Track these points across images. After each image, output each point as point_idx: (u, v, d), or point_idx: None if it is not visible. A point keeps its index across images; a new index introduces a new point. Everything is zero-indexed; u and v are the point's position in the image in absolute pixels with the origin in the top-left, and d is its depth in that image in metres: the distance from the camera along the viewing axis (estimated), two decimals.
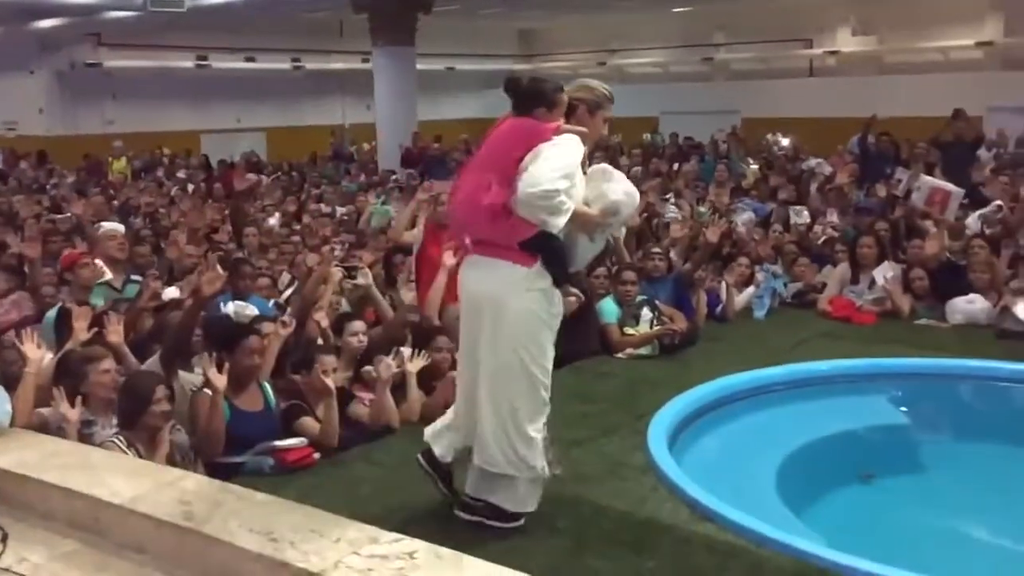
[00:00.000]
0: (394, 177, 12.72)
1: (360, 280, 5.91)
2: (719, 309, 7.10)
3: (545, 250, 3.63)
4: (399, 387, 4.95)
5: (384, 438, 4.68)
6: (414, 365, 4.99)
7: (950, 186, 8.22)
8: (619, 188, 3.78)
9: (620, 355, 6.24)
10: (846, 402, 5.51)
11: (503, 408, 3.66)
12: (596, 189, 3.76)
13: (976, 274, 6.93)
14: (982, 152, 11.65)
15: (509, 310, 3.61)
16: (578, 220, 3.65)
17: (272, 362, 4.88)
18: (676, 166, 12.59)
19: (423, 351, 5.10)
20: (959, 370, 5.78)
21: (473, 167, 3.86)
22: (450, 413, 3.97)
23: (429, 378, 5.13)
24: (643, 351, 6.25)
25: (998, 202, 7.88)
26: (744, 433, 5.09)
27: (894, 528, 4.42)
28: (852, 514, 4.59)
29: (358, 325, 5.40)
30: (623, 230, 7.28)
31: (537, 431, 3.70)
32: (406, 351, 5.08)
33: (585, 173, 3.79)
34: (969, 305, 6.73)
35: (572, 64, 23.64)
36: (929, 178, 8.31)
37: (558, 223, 3.58)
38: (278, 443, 4.29)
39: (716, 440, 5.12)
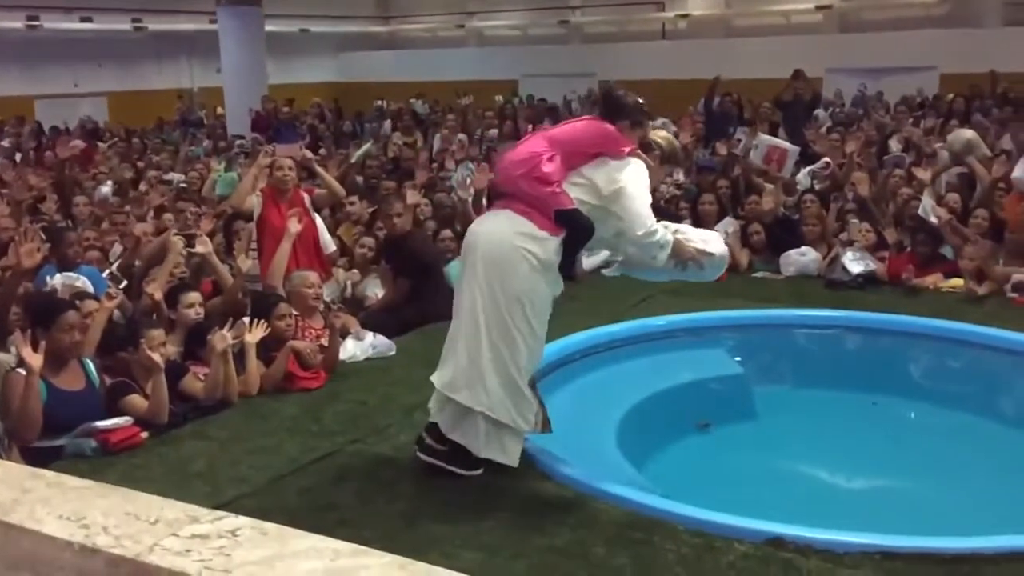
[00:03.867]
0: (239, 142, 12.26)
1: (199, 248, 5.67)
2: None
3: (574, 226, 3.76)
4: (238, 358, 4.79)
5: (220, 413, 4.52)
6: (253, 336, 4.82)
7: (786, 144, 8.54)
8: (722, 245, 4.13)
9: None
10: (685, 356, 5.66)
11: (504, 357, 3.73)
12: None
13: (808, 227, 7.24)
14: (819, 112, 12.16)
15: (521, 264, 3.70)
16: (675, 248, 3.88)
17: (96, 338, 4.62)
18: (531, 128, 12.60)
19: (264, 321, 4.94)
20: (790, 319, 6.03)
21: (542, 136, 3.98)
22: (448, 373, 3.89)
23: (270, 348, 4.99)
24: None
25: (826, 159, 8.24)
26: (587, 390, 5.16)
27: (727, 474, 4.59)
28: (689, 463, 4.74)
29: (193, 296, 5.18)
30: (471, 193, 7.27)
31: (526, 386, 3.79)
32: (245, 322, 4.92)
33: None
34: (801, 257, 7.03)
35: (430, 27, 23.42)
36: (767, 137, 8.61)
37: (663, 257, 3.85)
38: (100, 424, 4.06)
39: (560, 397, 5.14)
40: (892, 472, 4.67)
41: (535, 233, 3.73)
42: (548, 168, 3.74)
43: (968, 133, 8.31)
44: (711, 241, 4.10)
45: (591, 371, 5.31)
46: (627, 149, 3.82)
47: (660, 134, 4.16)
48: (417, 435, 4.01)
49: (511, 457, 3.81)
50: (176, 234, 5.93)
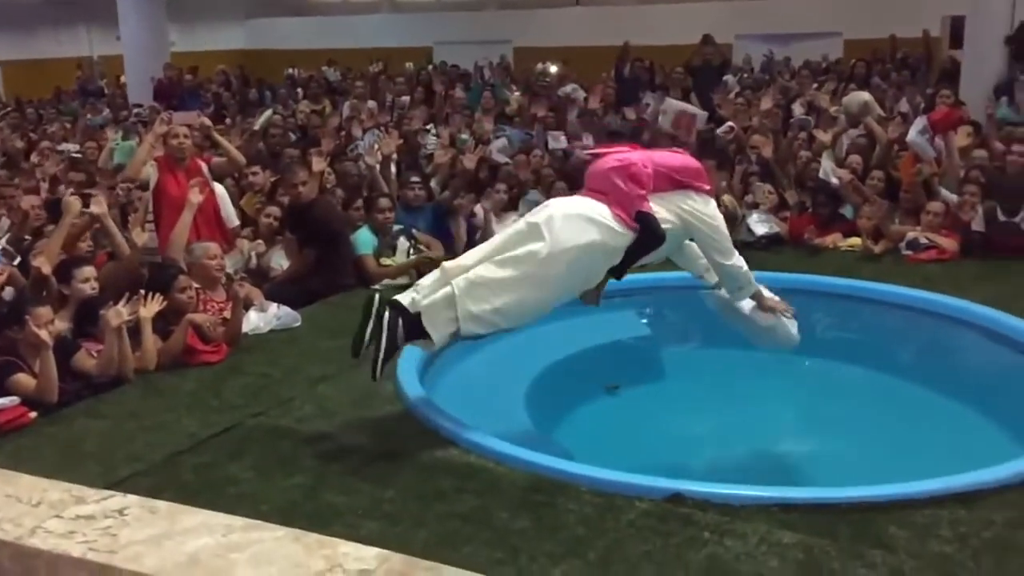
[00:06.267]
0: (136, 110, 11.84)
1: (93, 208, 5.44)
2: (479, 235, 7.13)
3: (649, 231, 3.98)
4: (134, 334, 4.64)
5: (114, 390, 4.37)
6: (148, 310, 4.67)
7: (694, 109, 8.62)
8: (795, 330, 4.39)
9: (377, 287, 6.13)
10: (594, 319, 5.67)
11: (503, 281, 3.83)
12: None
13: None
14: (729, 77, 12.30)
15: (593, 231, 3.89)
16: (759, 296, 4.30)
17: None
18: (445, 92, 12.47)
19: (159, 294, 4.78)
20: (697, 281, 6.09)
21: (639, 152, 4.20)
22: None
23: (170, 322, 4.84)
24: (401, 281, 6.17)
25: (730, 123, 8.35)
26: (497, 356, 5.14)
27: (635, 435, 4.65)
28: (597, 425, 4.78)
29: (88, 271, 4.98)
30: (378, 159, 7.15)
31: (491, 312, 3.86)
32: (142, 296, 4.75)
33: None
34: None
35: None
36: (675, 102, 8.67)
37: (744, 295, 4.27)
38: None
39: (470, 365, 5.16)
40: (793, 427, 4.79)
41: (613, 223, 3.93)
42: (642, 175, 3.99)
43: (864, 95, 8.50)
44: (790, 328, 4.40)
45: (502, 336, 5.28)
46: (709, 188, 4.15)
47: (726, 197, 4.52)
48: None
49: (434, 337, 3.87)
50: (72, 194, 5.69)
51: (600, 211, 3.95)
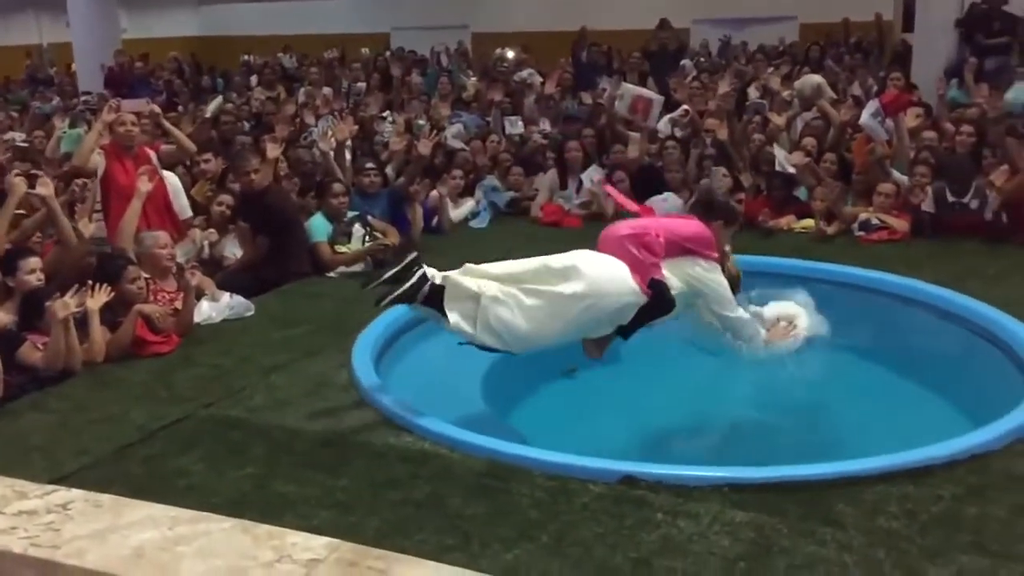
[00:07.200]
0: (84, 98, 11.60)
1: (40, 190, 5.32)
2: (435, 221, 7.10)
3: (660, 298, 4.16)
4: (82, 325, 4.54)
5: (60, 383, 4.28)
6: (95, 301, 4.58)
7: (651, 93, 8.61)
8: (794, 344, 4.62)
9: (332, 274, 6.08)
10: None
11: (522, 304, 3.93)
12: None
13: (670, 174, 7.35)
14: (686, 62, 12.34)
15: (616, 287, 4.06)
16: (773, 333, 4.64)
17: None
18: (402, 77, 12.36)
19: (107, 285, 4.69)
20: None
21: (651, 220, 4.48)
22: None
23: (119, 313, 4.75)
24: (356, 268, 6.13)
25: (685, 107, 8.37)
26: (454, 341, 5.11)
27: (592, 418, 4.65)
28: (555, 408, 4.77)
29: (33, 262, 4.87)
30: (332, 145, 7.08)
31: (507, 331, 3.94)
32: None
33: None
34: (663, 203, 7.12)
35: None
36: (631, 86, 8.65)
37: (754, 345, 4.50)
38: None
39: (426, 351, 5.13)
40: (747, 407, 4.82)
41: (628, 281, 4.10)
42: (655, 245, 4.18)
43: (816, 78, 8.57)
44: (794, 315, 4.70)
45: None
46: (716, 256, 4.39)
47: (730, 264, 4.63)
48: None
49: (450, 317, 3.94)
50: (17, 175, 5.56)
51: (625, 270, 4.13)
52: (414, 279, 3.89)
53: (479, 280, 3.99)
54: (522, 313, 3.94)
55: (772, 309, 4.82)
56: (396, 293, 3.88)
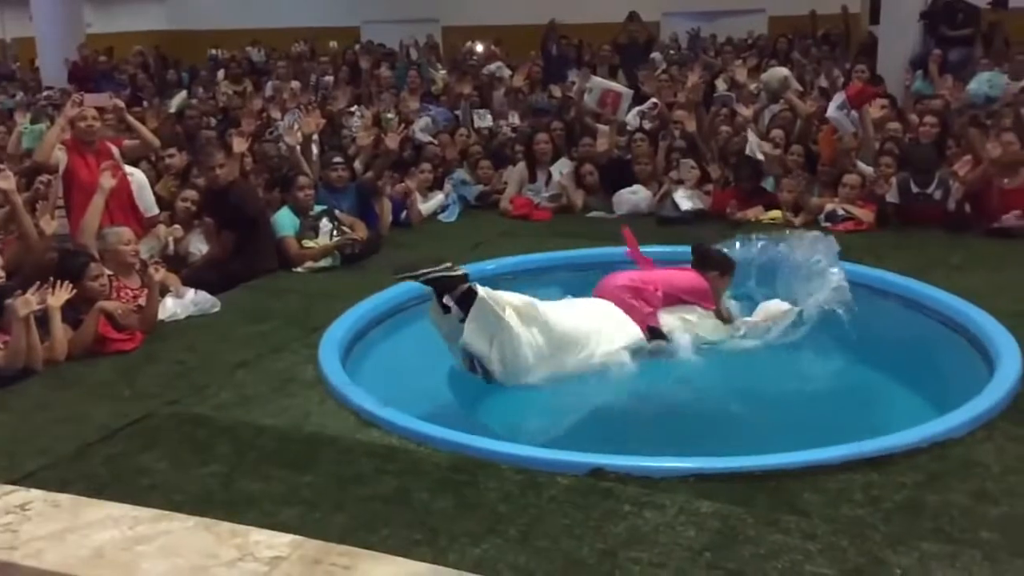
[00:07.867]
0: (47, 93, 11.44)
1: (0, 184, 5.23)
2: (403, 215, 7.07)
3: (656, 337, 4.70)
4: (43, 323, 4.47)
5: (20, 382, 4.22)
6: (57, 298, 4.51)
7: (620, 87, 8.61)
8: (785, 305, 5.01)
9: (299, 269, 6.04)
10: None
11: (532, 341, 4.28)
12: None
13: (639, 166, 7.37)
14: (656, 55, 12.36)
15: (607, 332, 4.54)
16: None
17: None
18: (371, 68, 12.30)
19: (68, 282, 4.62)
20: (623, 257, 6.12)
21: (652, 273, 4.95)
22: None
23: (81, 311, 4.69)
24: (324, 263, 6.09)
25: (654, 99, 8.38)
26: (421, 336, 5.10)
27: (560, 411, 4.64)
28: (523, 402, 4.76)
29: None
30: (298, 139, 7.02)
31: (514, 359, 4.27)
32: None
33: None
34: (633, 196, 7.16)
35: None
36: (600, 80, 8.65)
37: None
38: None
39: (394, 346, 5.12)
40: (713, 397, 4.83)
41: (630, 324, 4.65)
42: (652, 297, 4.73)
43: (783, 71, 8.62)
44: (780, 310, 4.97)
45: (423, 316, 5.24)
46: (712, 306, 4.87)
47: (724, 309, 4.98)
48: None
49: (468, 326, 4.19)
50: None
51: (623, 319, 4.64)
52: (459, 272, 4.16)
53: (508, 307, 4.24)
54: (532, 351, 4.27)
55: (760, 312, 5.01)
56: (423, 276, 4.10)
